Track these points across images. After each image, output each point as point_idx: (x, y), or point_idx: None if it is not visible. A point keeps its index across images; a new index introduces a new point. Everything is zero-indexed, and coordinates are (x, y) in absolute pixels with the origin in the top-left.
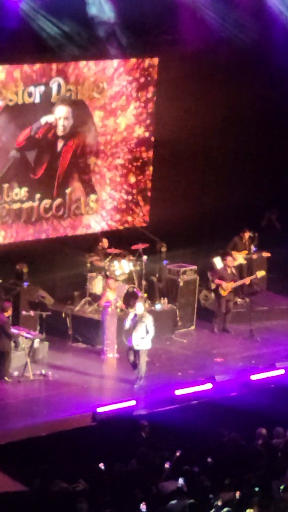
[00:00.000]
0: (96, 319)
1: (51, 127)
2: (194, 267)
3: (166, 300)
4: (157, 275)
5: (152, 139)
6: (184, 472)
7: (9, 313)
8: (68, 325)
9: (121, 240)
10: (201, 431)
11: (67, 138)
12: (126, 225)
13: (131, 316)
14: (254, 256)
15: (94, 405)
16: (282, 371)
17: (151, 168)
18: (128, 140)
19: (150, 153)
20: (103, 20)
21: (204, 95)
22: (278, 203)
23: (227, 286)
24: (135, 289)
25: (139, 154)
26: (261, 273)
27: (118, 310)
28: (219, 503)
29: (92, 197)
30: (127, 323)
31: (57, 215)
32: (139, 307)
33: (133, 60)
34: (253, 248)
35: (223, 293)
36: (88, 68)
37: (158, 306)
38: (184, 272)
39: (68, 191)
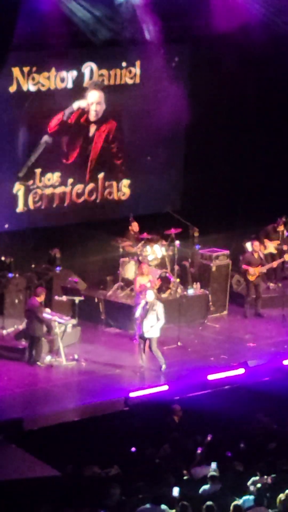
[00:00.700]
0: (128, 304)
1: (84, 112)
2: (227, 252)
3: (198, 285)
4: (189, 260)
5: (185, 122)
6: (216, 457)
7: (42, 298)
8: (101, 310)
9: (154, 225)
10: (234, 416)
11: (99, 123)
12: (158, 210)
13: (142, 304)
14: (285, 247)
15: (127, 390)
16: None
17: (183, 151)
18: (160, 124)
19: (182, 137)
20: (135, 4)
21: (237, 76)
22: None
23: (254, 271)
24: (167, 274)
25: (171, 138)
26: None
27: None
28: (252, 488)
29: (125, 181)
30: (138, 311)
31: (90, 200)
32: (150, 295)
33: (165, 45)
34: (286, 233)
35: (250, 278)
36: (120, 53)
37: (190, 291)
38: (217, 257)
39: (100, 176)
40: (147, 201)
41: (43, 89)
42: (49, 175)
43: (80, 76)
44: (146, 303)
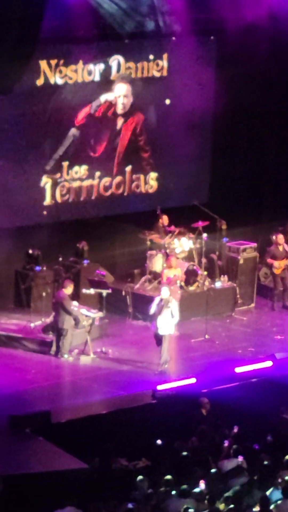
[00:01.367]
0: (156, 297)
1: (111, 105)
2: (254, 245)
3: (226, 277)
4: (217, 252)
5: (212, 115)
6: (244, 450)
7: (69, 290)
8: (128, 303)
9: (181, 218)
10: (261, 408)
11: (126, 116)
12: (186, 203)
13: (156, 301)
14: None
15: (154, 382)
16: None
17: (210, 144)
18: (188, 116)
19: (209, 129)
20: None
21: (264, 67)
22: None
23: (279, 264)
24: (195, 267)
25: (198, 130)
26: None
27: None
28: (279, 481)
29: (152, 174)
30: (153, 308)
31: (117, 193)
32: (165, 291)
33: (192, 37)
34: None
35: (276, 271)
36: (147, 45)
37: (218, 284)
38: (244, 250)
39: (128, 169)
40: (174, 194)
41: (70, 82)
42: (76, 168)
43: (108, 69)
44: (161, 300)
